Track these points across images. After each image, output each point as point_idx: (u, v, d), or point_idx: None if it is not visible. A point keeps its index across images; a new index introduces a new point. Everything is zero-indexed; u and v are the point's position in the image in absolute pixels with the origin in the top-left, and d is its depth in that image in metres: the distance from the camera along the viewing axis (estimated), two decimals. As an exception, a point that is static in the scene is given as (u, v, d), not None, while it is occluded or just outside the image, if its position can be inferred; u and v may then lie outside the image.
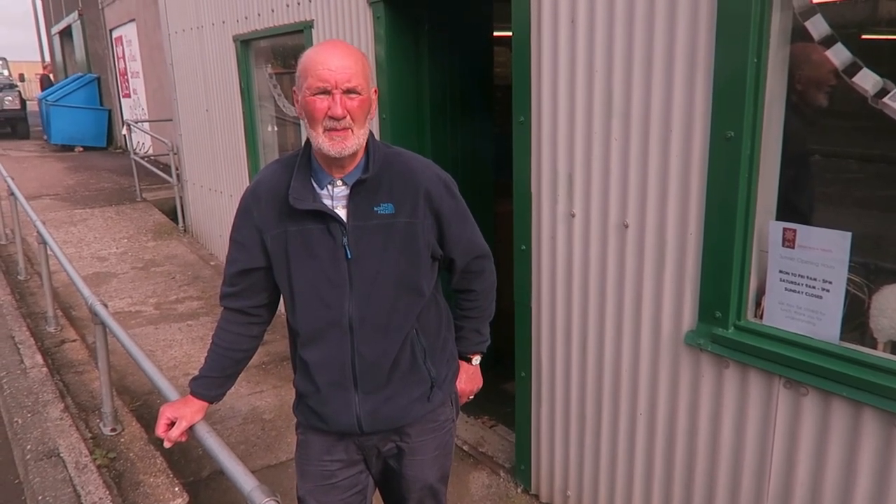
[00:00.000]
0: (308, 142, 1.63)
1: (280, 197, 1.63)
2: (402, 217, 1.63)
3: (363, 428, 1.72)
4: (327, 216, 1.61)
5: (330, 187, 1.63)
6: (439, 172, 1.71)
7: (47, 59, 21.12)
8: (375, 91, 1.65)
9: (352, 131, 1.55)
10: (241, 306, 1.76)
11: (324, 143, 1.55)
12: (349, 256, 1.62)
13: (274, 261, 1.68)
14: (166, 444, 1.75)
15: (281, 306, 1.80)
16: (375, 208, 1.62)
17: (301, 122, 4.53)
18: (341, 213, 1.62)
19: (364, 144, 1.61)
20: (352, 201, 1.62)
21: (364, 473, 1.86)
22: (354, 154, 1.60)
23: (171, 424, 1.75)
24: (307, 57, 1.56)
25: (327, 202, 1.63)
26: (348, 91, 1.52)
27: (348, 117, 1.53)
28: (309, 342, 1.70)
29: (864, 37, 2.01)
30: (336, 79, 1.51)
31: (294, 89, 1.62)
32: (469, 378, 1.96)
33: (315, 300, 1.65)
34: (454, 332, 1.89)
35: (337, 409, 1.71)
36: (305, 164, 1.65)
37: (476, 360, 1.96)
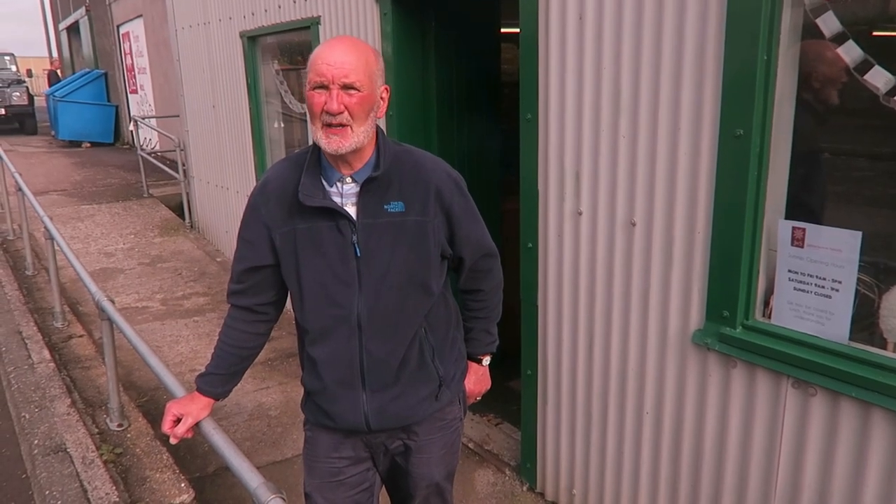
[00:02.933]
0: None
1: (289, 194, 1.62)
2: (412, 215, 1.62)
3: (371, 426, 1.72)
4: (337, 213, 1.60)
5: (339, 184, 1.62)
6: (449, 170, 1.70)
7: (55, 54, 21.19)
8: (386, 90, 1.62)
9: (350, 129, 1.52)
10: (248, 304, 1.76)
11: (321, 139, 1.54)
12: (358, 254, 1.61)
13: (283, 258, 1.67)
14: (172, 441, 1.75)
15: (288, 303, 1.80)
16: (385, 206, 1.61)
17: (307, 118, 4.54)
18: (351, 210, 1.61)
19: (367, 142, 1.59)
20: (362, 199, 1.61)
21: (371, 471, 1.86)
22: (360, 151, 1.58)
23: (178, 421, 1.75)
24: (314, 52, 1.55)
25: (337, 199, 1.62)
26: (346, 87, 1.50)
27: (346, 113, 1.50)
28: (317, 340, 1.69)
29: (875, 34, 1.99)
30: (333, 73, 1.49)
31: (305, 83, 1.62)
32: (478, 379, 1.95)
33: (324, 298, 1.65)
34: (463, 332, 1.88)
35: (345, 407, 1.71)
36: (315, 161, 1.64)
37: (486, 360, 1.95)
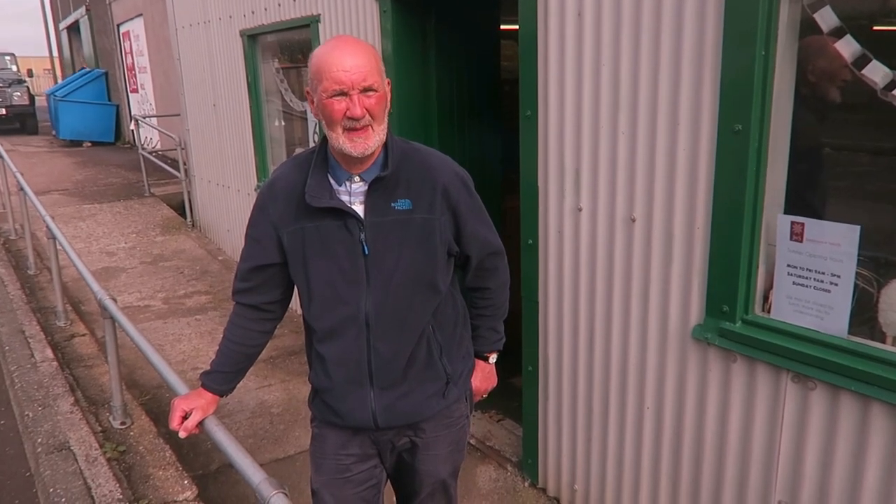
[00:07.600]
0: (324, 139, 1.62)
1: (297, 194, 1.63)
2: (419, 213, 1.62)
3: (378, 423, 1.73)
4: (344, 212, 1.61)
5: (348, 183, 1.63)
6: (457, 169, 1.71)
7: (55, 54, 21.19)
8: (389, 83, 1.63)
9: (372, 128, 1.54)
10: (254, 302, 1.77)
11: (345, 144, 1.54)
12: (366, 252, 1.62)
13: (290, 257, 1.68)
14: (182, 434, 1.75)
15: (295, 302, 1.80)
16: (393, 204, 1.61)
17: (308, 116, 4.54)
18: (358, 208, 1.62)
19: (383, 140, 1.61)
20: (370, 197, 1.61)
21: (378, 468, 1.86)
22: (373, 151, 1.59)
23: (185, 417, 1.76)
24: (319, 58, 1.54)
25: (345, 198, 1.62)
26: (365, 90, 1.51)
27: (367, 115, 1.52)
28: (325, 338, 1.70)
29: (875, 28, 1.99)
30: (352, 79, 1.49)
31: (307, 90, 1.61)
32: (485, 377, 1.96)
33: (332, 296, 1.65)
34: (470, 330, 1.89)
35: (352, 405, 1.72)
36: (322, 160, 1.65)
37: (493, 358, 1.96)
